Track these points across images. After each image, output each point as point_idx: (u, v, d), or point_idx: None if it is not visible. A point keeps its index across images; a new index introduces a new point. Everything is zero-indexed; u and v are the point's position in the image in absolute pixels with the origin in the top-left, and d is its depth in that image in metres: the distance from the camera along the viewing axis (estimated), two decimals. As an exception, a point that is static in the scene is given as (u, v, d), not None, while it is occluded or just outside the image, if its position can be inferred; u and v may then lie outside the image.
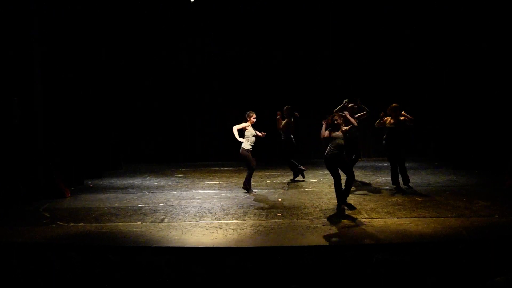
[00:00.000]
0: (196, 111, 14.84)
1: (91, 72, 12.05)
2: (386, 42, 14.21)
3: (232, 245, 6.28)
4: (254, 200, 8.95)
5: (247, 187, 9.68)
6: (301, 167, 10.85)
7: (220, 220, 7.50)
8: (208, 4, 14.07)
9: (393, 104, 9.42)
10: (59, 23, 10.45)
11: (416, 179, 10.76)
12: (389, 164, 9.78)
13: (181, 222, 7.42)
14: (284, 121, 10.69)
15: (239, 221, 7.38)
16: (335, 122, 8.01)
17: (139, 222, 7.47)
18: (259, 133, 9.68)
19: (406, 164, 12.85)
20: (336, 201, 8.14)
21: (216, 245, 6.24)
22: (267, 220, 7.44)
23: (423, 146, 14.45)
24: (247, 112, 9.73)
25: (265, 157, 14.03)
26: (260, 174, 12.01)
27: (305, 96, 14.58)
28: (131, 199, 9.24)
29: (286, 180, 11.11)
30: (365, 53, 14.34)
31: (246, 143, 9.52)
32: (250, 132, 9.56)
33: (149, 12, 14.16)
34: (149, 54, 14.52)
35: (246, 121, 9.65)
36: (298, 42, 14.46)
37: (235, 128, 9.53)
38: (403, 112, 9.36)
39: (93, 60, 12.12)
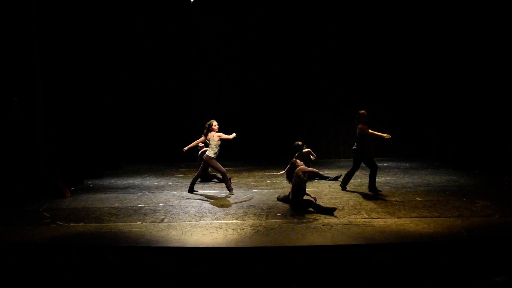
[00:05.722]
0: (196, 111, 14.83)
1: (92, 72, 12.06)
2: (385, 41, 14.21)
3: (232, 245, 6.28)
4: (254, 200, 8.94)
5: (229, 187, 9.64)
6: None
7: (220, 220, 7.50)
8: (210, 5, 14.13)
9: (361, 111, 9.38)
10: (60, 23, 10.45)
11: (416, 179, 10.77)
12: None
13: (181, 222, 7.42)
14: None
15: (239, 221, 7.38)
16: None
17: (139, 222, 7.47)
18: (228, 136, 9.44)
19: (407, 164, 12.96)
20: (335, 204, 8.15)
21: (216, 245, 6.25)
22: (267, 220, 7.44)
23: (423, 146, 14.46)
24: (208, 122, 9.53)
25: (266, 158, 14.07)
26: (260, 174, 12.03)
27: (308, 96, 14.61)
28: (131, 199, 9.24)
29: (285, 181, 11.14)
30: (365, 53, 14.34)
31: (211, 151, 9.42)
32: (215, 140, 9.40)
33: (151, 13, 14.19)
34: (150, 54, 14.52)
35: (209, 132, 9.45)
36: (297, 42, 14.48)
37: (197, 142, 9.77)
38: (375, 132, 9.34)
39: (94, 60, 12.13)
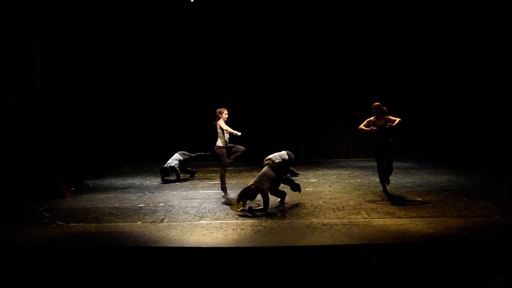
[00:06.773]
0: (196, 111, 14.83)
1: (92, 72, 12.06)
2: (385, 42, 14.21)
3: (232, 245, 6.28)
4: (254, 200, 8.92)
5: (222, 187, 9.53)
6: None
7: (220, 220, 7.50)
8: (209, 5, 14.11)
9: (376, 103, 9.06)
10: (60, 23, 10.44)
11: (416, 179, 10.77)
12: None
13: (181, 222, 7.43)
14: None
15: (239, 221, 7.39)
16: None
17: (139, 222, 7.47)
18: (228, 129, 9.33)
19: (407, 164, 12.95)
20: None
21: (216, 245, 6.25)
22: (267, 220, 7.44)
23: (423, 146, 14.46)
24: (219, 109, 9.46)
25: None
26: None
27: (308, 95, 14.60)
28: (131, 199, 9.24)
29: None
30: (365, 52, 14.33)
31: (219, 141, 9.37)
32: (218, 129, 9.37)
33: (150, 13, 14.18)
34: (150, 54, 14.51)
35: (218, 119, 9.39)
36: (297, 40, 14.48)
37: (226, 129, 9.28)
38: (389, 117, 9.05)
39: (93, 59, 12.12)
